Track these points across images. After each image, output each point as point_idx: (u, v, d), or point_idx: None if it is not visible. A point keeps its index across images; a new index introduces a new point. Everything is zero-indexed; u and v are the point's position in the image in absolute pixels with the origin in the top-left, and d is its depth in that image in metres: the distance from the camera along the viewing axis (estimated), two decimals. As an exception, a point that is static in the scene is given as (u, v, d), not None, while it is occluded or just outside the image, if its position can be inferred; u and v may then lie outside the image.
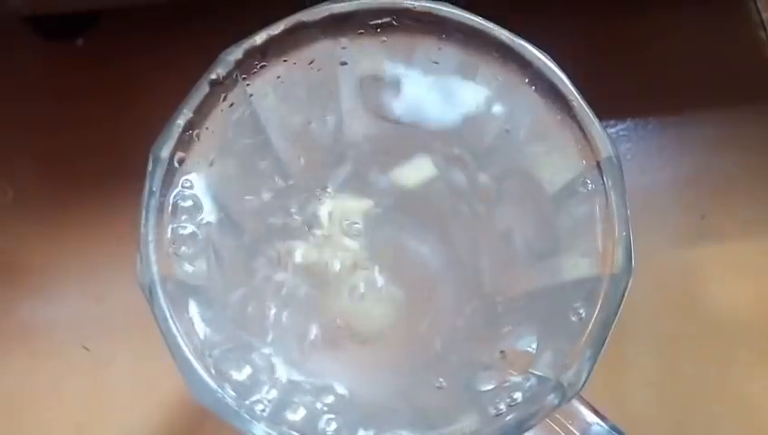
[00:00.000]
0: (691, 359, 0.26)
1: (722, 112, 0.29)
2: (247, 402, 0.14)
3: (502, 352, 0.16)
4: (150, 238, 0.15)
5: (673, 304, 0.27)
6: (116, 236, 0.24)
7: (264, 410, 0.15)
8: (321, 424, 0.15)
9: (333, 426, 0.15)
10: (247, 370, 0.15)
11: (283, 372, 0.16)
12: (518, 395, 0.15)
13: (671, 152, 0.29)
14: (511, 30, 0.17)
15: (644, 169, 0.29)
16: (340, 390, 0.16)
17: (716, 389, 0.25)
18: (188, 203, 0.16)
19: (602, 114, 0.17)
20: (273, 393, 0.15)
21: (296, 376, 0.16)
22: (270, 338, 0.16)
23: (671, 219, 0.28)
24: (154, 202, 0.15)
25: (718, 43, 0.30)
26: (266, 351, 0.16)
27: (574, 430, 0.16)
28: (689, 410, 0.25)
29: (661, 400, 0.25)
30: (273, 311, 0.18)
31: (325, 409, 0.15)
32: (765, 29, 0.31)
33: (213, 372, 0.14)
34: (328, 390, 0.16)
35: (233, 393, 0.14)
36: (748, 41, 0.31)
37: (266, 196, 0.17)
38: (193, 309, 0.15)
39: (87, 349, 0.26)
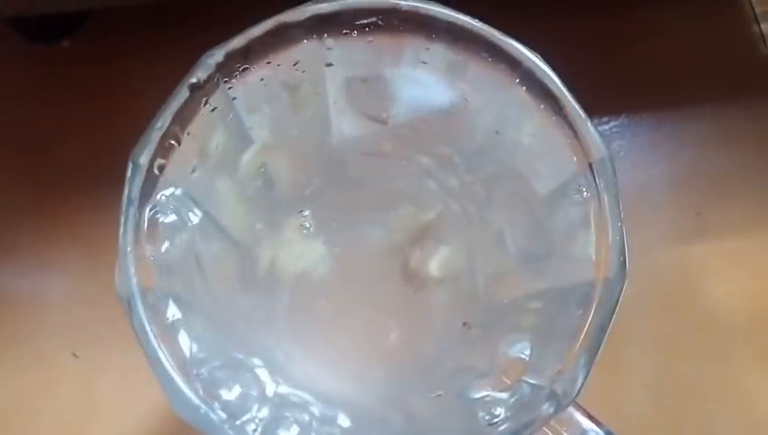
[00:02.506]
0: (687, 356, 0.26)
1: (716, 108, 0.29)
2: (238, 423, 0.14)
3: (494, 358, 0.16)
4: (129, 249, 0.14)
5: (668, 302, 0.26)
6: (103, 242, 0.24)
7: (255, 430, 0.14)
8: None
9: None
10: (237, 389, 0.15)
11: (272, 386, 0.15)
12: (511, 404, 0.15)
13: (666, 149, 0.29)
14: (500, 30, 0.17)
15: (638, 166, 0.28)
16: (331, 400, 0.16)
17: (713, 386, 0.25)
18: (169, 212, 0.15)
19: (595, 111, 0.17)
20: (264, 412, 0.15)
21: (285, 389, 0.15)
22: (258, 349, 0.16)
23: (666, 216, 0.28)
24: (133, 211, 0.14)
25: (712, 39, 0.30)
26: (255, 363, 0.15)
27: (569, 437, 0.16)
28: (686, 408, 0.25)
29: (657, 398, 0.25)
30: (261, 320, 0.17)
31: (316, 424, 0.15)
32: (759, 24, 0.31)
33: (202, 393, 0.14)
34: (319, 401, 0.16)
35: (223, 415, 0.14)
36: (742, 36, 0.30)
37: (250, 202, 0.17)
38: (176, 322, 0.15)
39: (76, 356, 0.25)
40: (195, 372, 0.14)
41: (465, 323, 0.16)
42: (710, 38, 0.30)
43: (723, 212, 0.28)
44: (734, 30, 0.31)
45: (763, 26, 0.31)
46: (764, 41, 0.30)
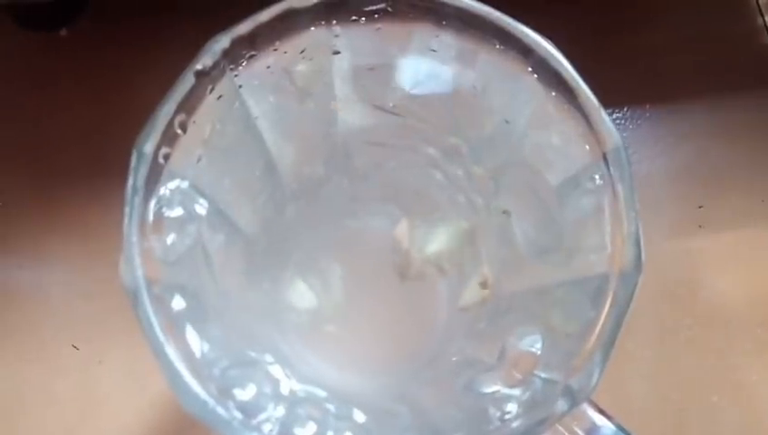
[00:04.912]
0: (689, 349, 0.25)
1: (720, 100, 0.29)
2: (254, 423, 0.14)
3: (502, 351, 0.16)
4: (134, 239, 0.14)
5: (671, 295, 0.26)
6: (104, 233, 0.24)
7: (272, 430, 0.14)
8: None
9: None
10: (252, 388, 0.14)
11: (286, 383, 0.15)
12: (524, 400, 0.14)
13: (668, 141, 0.29)
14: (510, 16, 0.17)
15: (640, 159, 0.28)
16: (340, 395, 0.16)
17: (715, 379, 0.25)
18: (175, 205, 0.15)
19: (598, 103, 0.16)
20: (280, 410, 0.14)
21: (298, 385, 0.15)
22: (268, 344, 0.16)
23: (668, 209, 0.27)
24: (138, 200, 0.14)
25: (716, 30, 0.30)
26: (267, 360, 0.15)
27: (579, 432, 0.15)
28: (688, 400, 0.25)
29: (659, 390, 0.25)
30: (267, 313, 0.17)
31: (332, 420, 0.15)
32: (763, 15, 0.30)
33: (216, 393, 0.13)
34: (331, 397, 0.15)
35: (239, 415, 0.13)
36: (746, 27, 0.30)
37: (258, 191, 0.17)
38: (183, 315, 0.14)
39: (76, 348, 0.25)
40: (207, 372, 0.14)
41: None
42: (713, 30, 0.30)
43: (725, 205, 0.27)
44: (739, 21, 0.30)
45: (767, 18, 0.30)
46: (768, 33, 0.30)
